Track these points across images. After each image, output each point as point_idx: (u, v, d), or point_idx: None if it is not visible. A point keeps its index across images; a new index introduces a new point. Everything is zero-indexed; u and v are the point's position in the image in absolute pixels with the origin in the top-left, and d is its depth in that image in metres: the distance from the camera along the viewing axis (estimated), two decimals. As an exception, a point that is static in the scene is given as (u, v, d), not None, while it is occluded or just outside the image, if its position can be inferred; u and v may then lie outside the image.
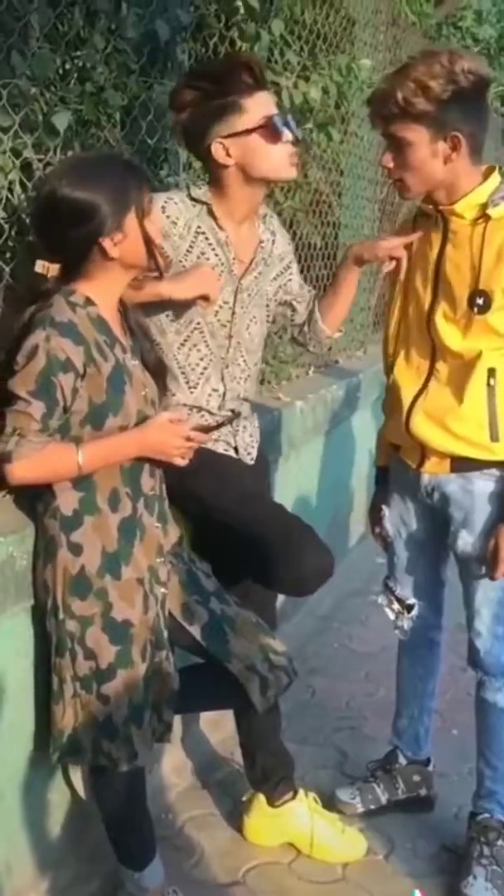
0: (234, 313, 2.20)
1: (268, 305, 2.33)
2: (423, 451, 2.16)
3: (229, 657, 1.99)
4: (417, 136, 1.96)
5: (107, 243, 1.78)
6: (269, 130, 2.07)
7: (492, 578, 2.13)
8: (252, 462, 2.34)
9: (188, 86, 2.08)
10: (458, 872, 2.26)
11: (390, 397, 2.25)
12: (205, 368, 2.21)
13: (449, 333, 2.08)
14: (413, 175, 2.02)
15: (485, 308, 2.02)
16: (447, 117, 1.94)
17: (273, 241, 2.32)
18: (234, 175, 2.11)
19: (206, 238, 2.16)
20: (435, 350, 2.12)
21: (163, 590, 1.95)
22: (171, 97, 2.13)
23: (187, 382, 2.20)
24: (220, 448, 2.25)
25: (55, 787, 2.10)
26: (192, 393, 2.20)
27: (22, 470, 1.77)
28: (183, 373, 2.19)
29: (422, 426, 2.13)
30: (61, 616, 1.85)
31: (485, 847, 2.25)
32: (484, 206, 2.01)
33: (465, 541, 2.17)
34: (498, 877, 2.22)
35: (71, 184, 1.75)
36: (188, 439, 1.91)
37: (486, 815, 2.29)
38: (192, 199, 2.16)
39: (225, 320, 2.20)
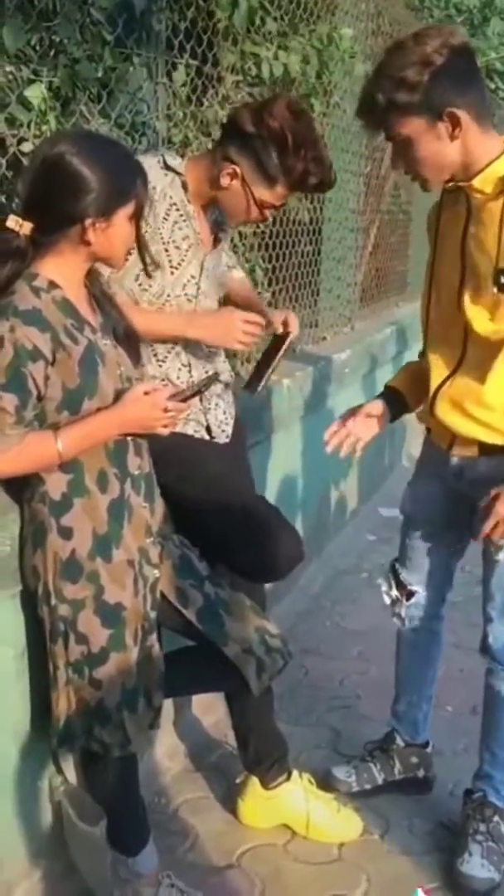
0: (199, 288, 2.18)
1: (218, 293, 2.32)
2: (453, 433, 2.12)
3: (226, 640, 1.97)
4: (413, 127, 1.88)
5: (90, 226, 1.73)
6: (258, 208, 2.11)
7: (474, 538, 2.09)
8: (227, 440, 2.30)
9: (283, 129, 2.02)
10: (454, 849, 2.26)
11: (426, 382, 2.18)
12: (174, 343, 2.18)
13: (476, 315, 1.99)
14: (427, 167, 1.93)
15: None
16: (434, 99, 1.85)
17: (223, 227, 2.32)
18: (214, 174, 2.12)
19: (178, 209, 2.13)
20: (467, 334, 2.03)
21: (155, 572, 1.93)
22: (268, 102, 2.08)
23: (155, 355, 2.17)
24: (190, 429, 2.22)
25: (46, 775, 2.08)
26: (160, 366, 2.18)
27: (2, 465, 1.74)
28: (151, 345, 2.15)
29: (445, 412, 2.08)
30: (53, 602, 1.82)
31: (480, 824, 2.25)
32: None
33: None
34: (494, 853, 2.22)
35: (81, 154, 1.71)
36: (166, 410, 1.87)
37: (481, 793, 2.28)
38: (167, 166, 2.13)
39: (191, 295, 2.17)
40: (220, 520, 2.11)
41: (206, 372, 2.21)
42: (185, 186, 2.13)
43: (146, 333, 2.06)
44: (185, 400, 1.91)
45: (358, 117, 1.99)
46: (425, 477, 2.29)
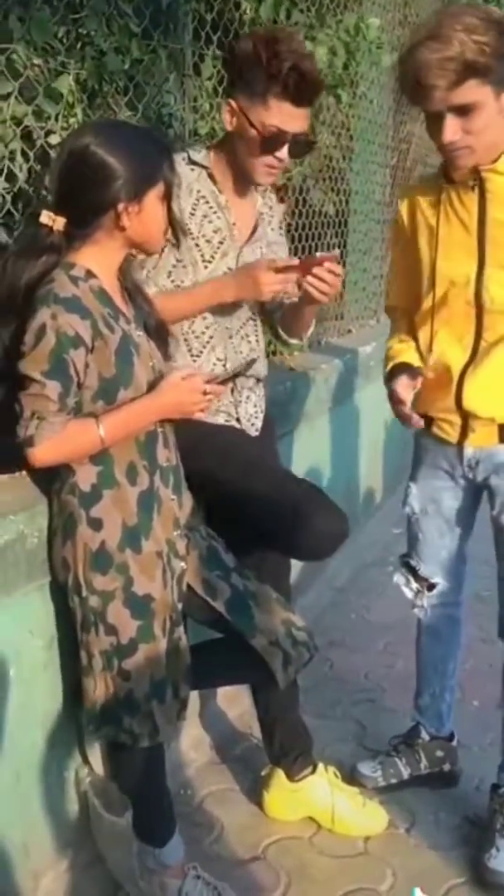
0: None
1: None
2: (466, 425, 2.10)
3: (253, 632, 1.97)
4: (484, 94, 1.83)
5: (123, 211, 1.74)
6: (263, 139, 2.04)
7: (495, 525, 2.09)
8: (257, 433, 2.29)
9: (255, 45, 2.01)
10: (480, 844, 2.24)
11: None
12: (210, 338, 2.17)
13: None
14: (481, 138, 1.88)
15: None
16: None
17: (270, 220, 2.29)
18: (231, 141, 2.11)
19: (207, 202, 2.13)
20: (481, 318, 2.02)
21: (182, 564, 1.94)
22: (242, 39, 2.09)
23: (189, 350, 2.16)
24: (220, 419, 2.21)
25: (72, 766, 2.09)
26: (194, 361, 2.16)
27: (46, 452, 1.75)
28: (185, 339, 2.15)
29: (474, 398, 2.06)
30: (84, 593, 1.83)
31: (507, 819, 2.23)
32: None
33: None
34: (521, 848, 2.20)
35: (104, 143, 1.72)
36: (205, 393, 1.88)
37: (508, 787, 2.27)
38: (192, 161, 2.12)
39: None
40: (261, 500, 2.07)
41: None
42: (212, 178, 2.13)
43: (181, 314, 2.05)
44: (223, 382, 1.92)
45: (419, 87, 1.85)
46: (427, 471, 2.26)
